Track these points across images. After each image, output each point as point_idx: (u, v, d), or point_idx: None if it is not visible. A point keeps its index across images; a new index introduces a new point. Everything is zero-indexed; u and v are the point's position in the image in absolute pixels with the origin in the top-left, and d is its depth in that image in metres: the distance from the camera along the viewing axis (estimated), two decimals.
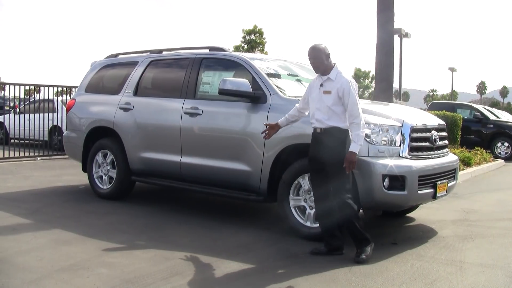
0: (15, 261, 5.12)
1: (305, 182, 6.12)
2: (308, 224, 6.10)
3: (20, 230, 6.29)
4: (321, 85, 5.56)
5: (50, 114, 14.94)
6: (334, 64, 5.58)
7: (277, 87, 6.70)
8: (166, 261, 5.23)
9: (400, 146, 5.95)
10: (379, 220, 7.47)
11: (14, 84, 13.77)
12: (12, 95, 19.25)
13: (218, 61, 7.57)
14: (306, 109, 5.86)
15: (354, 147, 5.31)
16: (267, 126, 5.95)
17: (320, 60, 5.55)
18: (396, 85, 19.92)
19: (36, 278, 4.65)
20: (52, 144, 15.50)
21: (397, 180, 5.78)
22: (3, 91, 17.54)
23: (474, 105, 22.38)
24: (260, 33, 64.58)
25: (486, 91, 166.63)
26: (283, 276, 4.89)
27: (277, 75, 7.16)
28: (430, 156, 6.34)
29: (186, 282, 4.65)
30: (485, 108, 22.00)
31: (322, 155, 5.48)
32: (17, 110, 16.78)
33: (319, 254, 5.57)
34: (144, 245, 5.79)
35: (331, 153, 5.43)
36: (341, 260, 5.39)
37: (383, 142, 5.87)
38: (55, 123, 15.05)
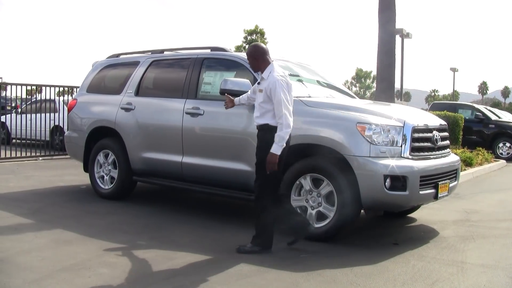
0: (16, 261, 5.13)
1: (306, 182, 6.12)
2: None
3: (21, 230, 6.30)
4: (258, 83, 5.75)
5: (52, 114, 14.96)
6: (271, 62, 5.71)
7: None
8: (167, 261, 5.23)
9: (401, 146, 5.95)
10: (380, 220, 7.47)
11: (16, 84, 13.80)
12: (13, 95, 19.30)
13: (219, 61, 7.58)
14: (253, 100, 5.97)
15: (274, 148, 5.38)
16: (227, 99, 6.23)
17: (253, 58, 5.73)
18: (397, 85, 19.91)
19: (37, 278, 4.65)
20: (53, 144, 15.51)
21: (398, 181, 5.77)
22: (4, 91, 17.55)
23: (476, 106, 22.37)
24: (262, 33, 64.59)
25: (487, 91, 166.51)
26: (285, 276, 4.89)
27: None
28: (431, 157, 6.34)
29: (187, 283, 4.65)
30: (486, 109, 22.00)
31: (257, 151, 5.67)
32: (19, 110, 16.79)
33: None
34: (145, 245, 5.79)
35: (260, 149, 5.62)
36: (342, 260, 5.39)
37: (385, 142, 5.86)
38: (56, 123, 15.06)
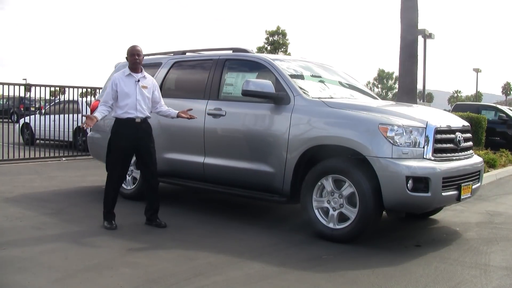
0: (40, 260, 5.19)
1: (328, 183, 6.10)
2: (331, 225, 6.09)
3: (45, 230, 6.37)
4: (138, 80, 6.58)
5: (75, 115, 15.11)
6: None
7: (300, 88, 6.69)
8: (189, 262, 5.26)
9: (424, 147, 5.90)
10: (402, 222, 7.42)
11: (40, 86, 13.95)
12: (37, 96, 19.54)
13: (241, 62, 7.59)
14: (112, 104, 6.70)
15: (174, 113, 6.88)
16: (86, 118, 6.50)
17: (142, 58, 6.67)
18: (419, 86, 19.78)
19: (61, 277, 4.71)
20: (76, 144, 15.67)
21: (420, 182, 5.73)
22: (29, 92, 17.78)
23: (499, 106, 22.14)
24: (283, 34, 64.67)
25: (511, 92, 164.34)
26: (306, 277, 4.89)
27: (300, 76, 7.15)
28: (454, 158, 6.28)
29: (208, 283, 4.66)
30: (510, 109, 21.72)
31: (147, 142, 6.63)
32: (43, 111, 16.98)
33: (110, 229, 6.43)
34: (168, 246, 5.83)
35: (152, 137, 6.73)
36: (364, 262, 5.37)
37: (407, 144, 5.82)
38: (79, 124, 15.20)
